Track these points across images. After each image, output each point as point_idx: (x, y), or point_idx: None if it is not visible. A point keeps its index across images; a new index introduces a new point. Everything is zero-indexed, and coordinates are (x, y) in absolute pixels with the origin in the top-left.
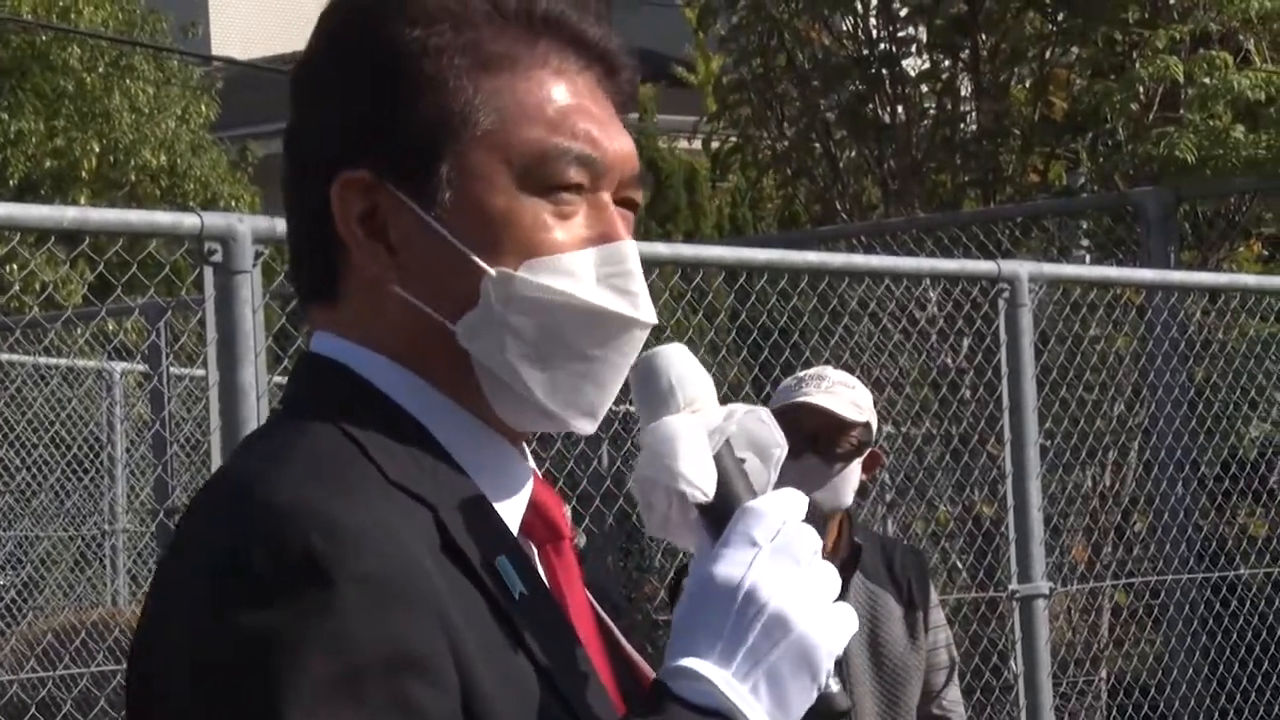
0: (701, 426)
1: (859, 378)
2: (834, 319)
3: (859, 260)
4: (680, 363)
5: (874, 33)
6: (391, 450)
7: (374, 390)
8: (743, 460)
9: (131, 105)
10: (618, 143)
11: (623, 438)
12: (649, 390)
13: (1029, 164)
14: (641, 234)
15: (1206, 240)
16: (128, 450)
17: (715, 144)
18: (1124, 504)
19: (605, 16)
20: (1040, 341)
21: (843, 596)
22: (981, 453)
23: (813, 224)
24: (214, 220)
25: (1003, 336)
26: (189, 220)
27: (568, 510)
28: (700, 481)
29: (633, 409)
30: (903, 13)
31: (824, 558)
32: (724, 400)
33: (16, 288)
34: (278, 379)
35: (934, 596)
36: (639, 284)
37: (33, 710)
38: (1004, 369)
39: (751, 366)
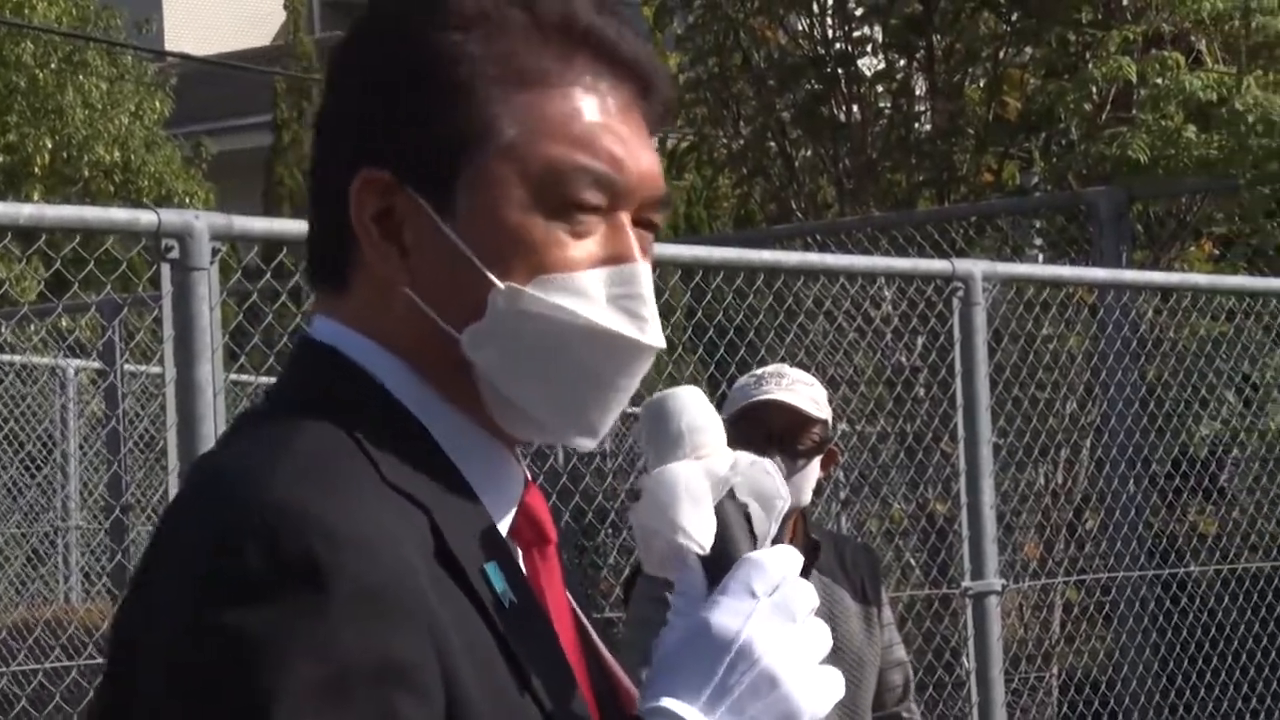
0: (705, 475)
1: (814, 376)
2: (789, 317)
3: (814, 259)
4: (692, 408)
5: (829, 33)
6: (387, 446)
7: (372, 381)
8: (745, 506)
9: (85, 101)
10: (643, 164)
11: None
12: (658, 433)
13: (983, 164)
14: None
15: (1158, 240)
16: (81, 447)
17: (671, 143)
18: (1076, 502)
19: (644, 34)
20: (994, 340)
21: None
22: (935, 451)
23: (768, 223)
24: (171, 217)
25: (957, 335)
26: (146, 217)
27: None
28: (698, 535)
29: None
30: (858, 13)
31: None
32: None
33: None
34: (234, 376)
35: (885, 595)
36: (650, 308)
37: None
38: (958, 367)
39: (708, 365)
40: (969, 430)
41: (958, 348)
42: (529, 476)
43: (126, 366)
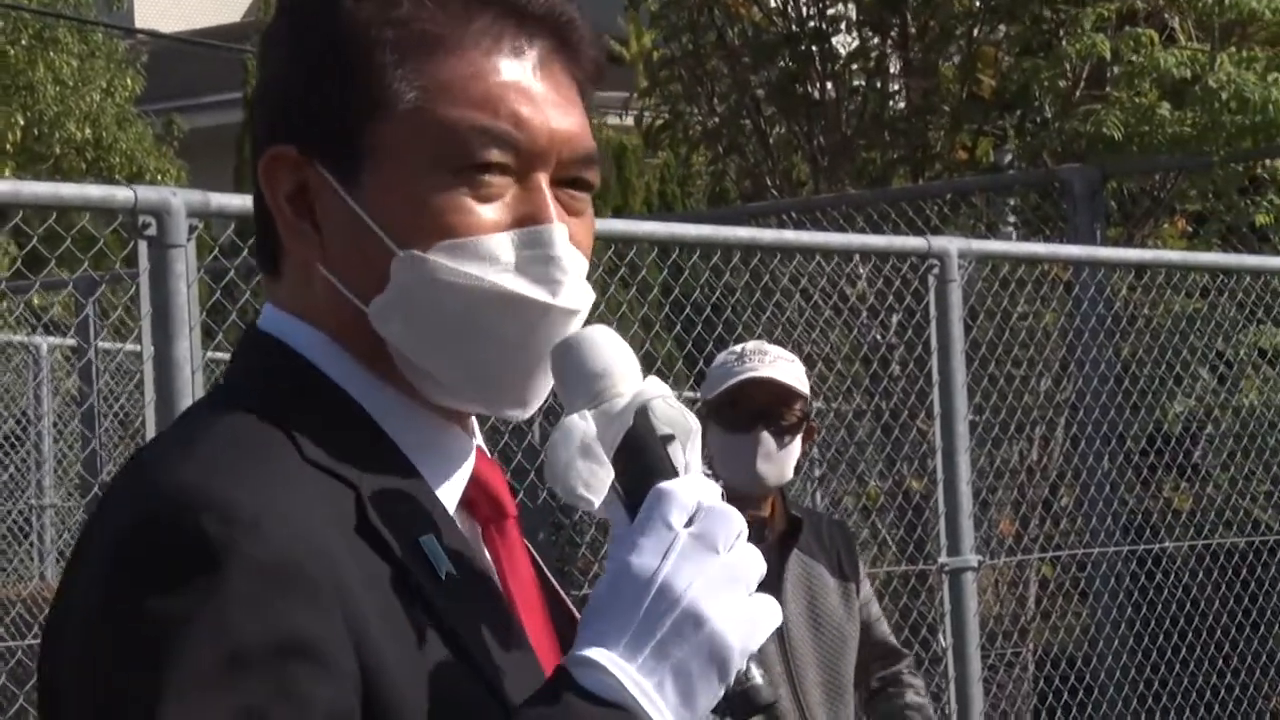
0: (603, 423)
1: (790, 353)
2: (765, 295)
3: (789, 236)
4: (600, 349)
5: (804, 10)
6: (316, 429)
7: (309, 366)
8: (670, 437)
9: (55, 78)
10: (555, 121)
11: (557, 411)
12: (565, 378)
13: (957, 141)
14: None
15: (1132, 217)
16: (57, 425)
17: (646, 120)
18: (1051, 478)
19: None
20: (969, 317)
21: (783, 569)
22: (911, 428)
23: (743, 200)
24: (148, 194)
25: (932, 312)
26: (123, 194)
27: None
28: (587, 491)
29: None
30: None
31: (762, 533)
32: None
33: None
34: (212, 353)
35: (862, 569)
36: (565, 269)
37: None
38: (933, 344)
39: (683, 342)
40: (945, 407)
41: (933, 325)
42: (484, 449)
43: (102, 344)
